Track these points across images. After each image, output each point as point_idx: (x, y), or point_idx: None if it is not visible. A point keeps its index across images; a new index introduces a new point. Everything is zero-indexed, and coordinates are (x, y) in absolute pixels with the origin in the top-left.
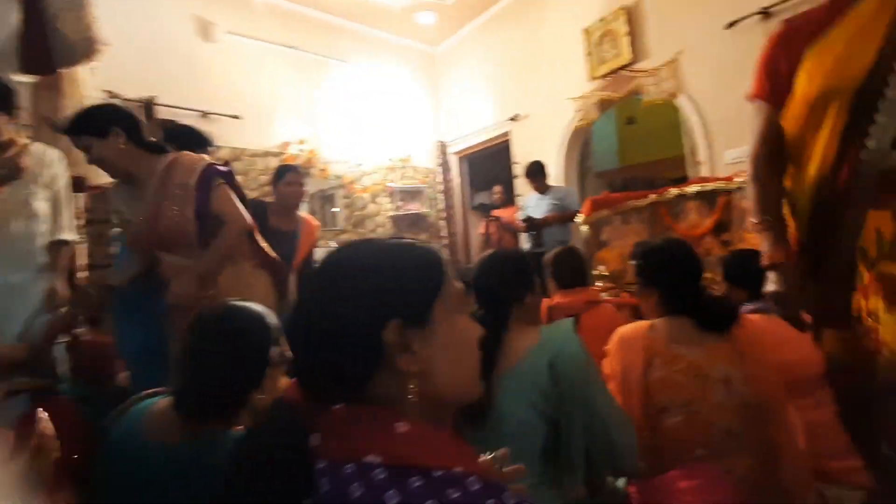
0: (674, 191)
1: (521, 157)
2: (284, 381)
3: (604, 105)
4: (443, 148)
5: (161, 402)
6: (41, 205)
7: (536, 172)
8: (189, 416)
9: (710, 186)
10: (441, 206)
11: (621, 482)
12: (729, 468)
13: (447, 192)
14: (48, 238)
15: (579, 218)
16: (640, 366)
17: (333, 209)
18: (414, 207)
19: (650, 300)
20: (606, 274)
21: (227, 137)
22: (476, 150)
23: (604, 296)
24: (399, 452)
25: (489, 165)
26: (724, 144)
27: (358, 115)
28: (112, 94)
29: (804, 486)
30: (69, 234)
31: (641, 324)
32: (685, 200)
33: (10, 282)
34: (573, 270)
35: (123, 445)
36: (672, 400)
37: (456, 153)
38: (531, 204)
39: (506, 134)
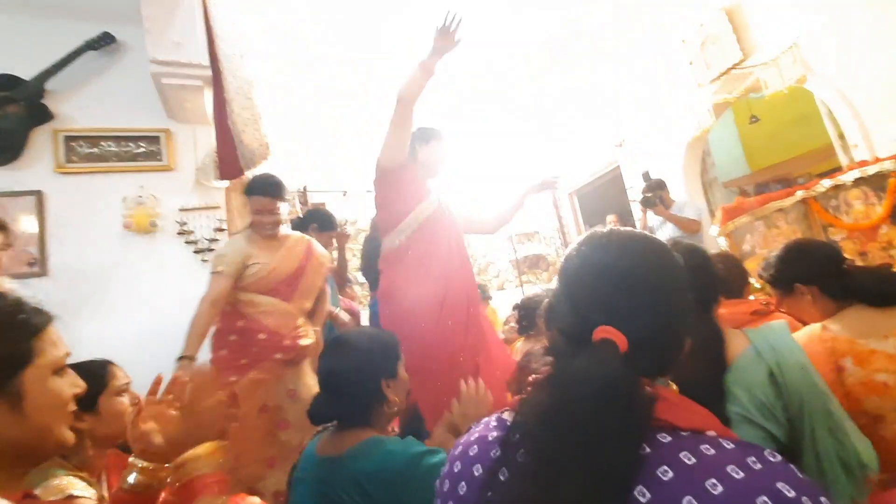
0: (826, 182)
1: (634, 183)
2: None
3: (718, 110)
4: None
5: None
6: None
7: (653, 189)
8: (322, 419)
9: (872, 169)
10: (558, 244)
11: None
12: None
13: (561, 228)
14: None
15: (714, 230)
16: (832, 374)
17: None
18: (532, 249)
19: (802, 302)
20: (758, 286)
21: (363, 210)
22: (586, 184)
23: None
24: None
25: (601, 197)
26: (878, 121)
27: (468, 174)
28: None
29: None
30: None
31: (812, 328)
32: (844, 191)
33: None
34: (740, 275)
35: (304, 459)
36: (883, 404)
37: (566, 191)
38: (652, 225)
39: (615, 162)
